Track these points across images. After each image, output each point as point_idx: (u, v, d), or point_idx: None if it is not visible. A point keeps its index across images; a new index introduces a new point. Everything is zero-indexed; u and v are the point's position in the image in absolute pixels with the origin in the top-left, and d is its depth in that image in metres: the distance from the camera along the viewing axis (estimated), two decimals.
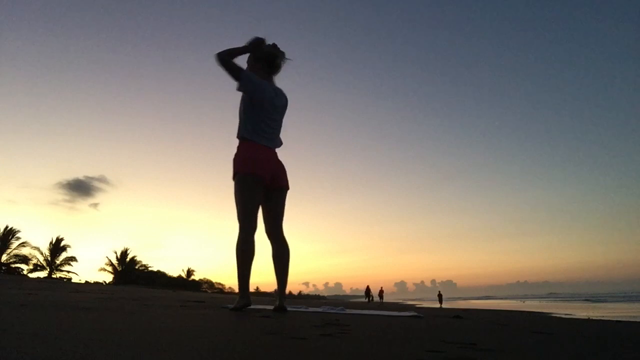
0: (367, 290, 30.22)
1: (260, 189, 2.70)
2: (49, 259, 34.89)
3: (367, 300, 28.56)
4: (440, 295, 27.59)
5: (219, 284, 54.28)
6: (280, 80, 3.04)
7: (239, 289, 2.71)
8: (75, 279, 34.54)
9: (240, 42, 2.90)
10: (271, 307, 4.11)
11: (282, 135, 2.99)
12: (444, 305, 22.49)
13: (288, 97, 2.97)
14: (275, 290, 2.86)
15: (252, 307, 4.43)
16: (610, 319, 5.46)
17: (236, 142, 2.84)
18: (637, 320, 5.22)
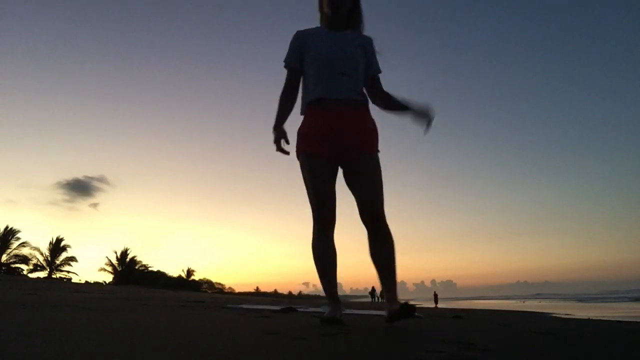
0: (373, 290, 29.98)
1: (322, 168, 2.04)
2: (49, 259, 34.90)
3: (372, 300, 28.40)
4: (435, 295, 27.62)
5: (219, 284, 54.35)
6: None
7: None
8: (75, 279, 34.57)
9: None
10: (272, 308, 4.10)
11: None
12: (440, 305, 22.55)
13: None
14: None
15: (252, 307, 4.42)
16: (610, 319, 5.47)
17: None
18: (638, 320, 5.21)
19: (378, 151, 2.07)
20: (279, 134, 2.09)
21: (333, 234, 2.06)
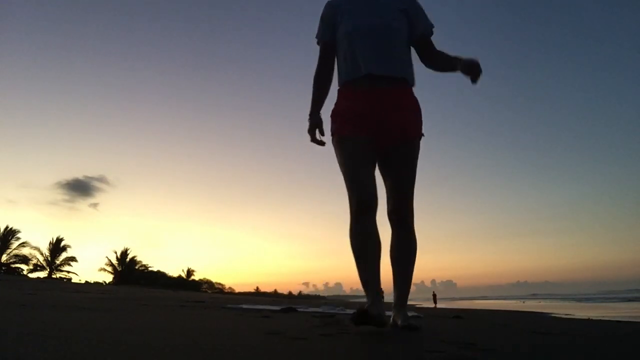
0: None
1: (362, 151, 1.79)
2: (49, 259, 34.91)
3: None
4: (434, 295, 27.73)
5: (219, 284, 54.40)
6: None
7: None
8: (75, 279, 34.59)
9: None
10: (272, 308, 4.10)
11: None
12: (439, 305, 22.60)
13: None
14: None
15: (252, 307, 4.41)
16: (610, 319, 5.47)
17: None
18: (638, 320, 5.22)
19: (420, 136, 1.86)
20: (315, 122, 1.90)
21: (374, 221, 1.72)
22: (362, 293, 1.69)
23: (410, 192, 1.81)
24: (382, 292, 1.68)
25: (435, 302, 26.51)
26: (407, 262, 1.82)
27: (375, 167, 1.83)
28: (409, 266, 1.82)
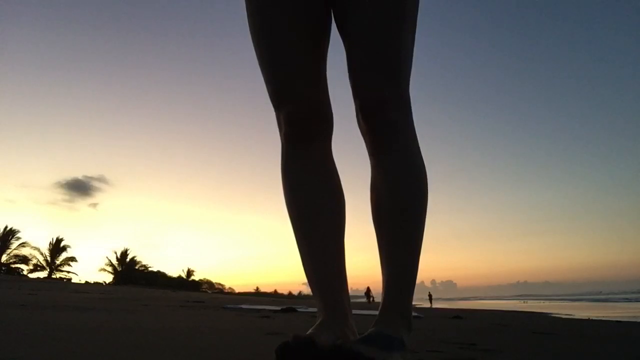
0: (368, 291, 30.65)
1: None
2: (49, 259, 34.99)
3: (367, 300, 28.94)
4: (430, 296, 28.07)
5: (219, 284, 54.55)
6: None
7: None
8: (75, 279, 34.66)
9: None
10: (272, 308, 4.09)
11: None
12: (439, 305, 22.72)
13: None
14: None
15: (252, 307, 4.41)
16: (610, 319, 5.47)
17: None
18: (638, 320, 5.22)
19: None
20: None
21: (328, 152, 0.87)
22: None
23: (400, 59, 0.78)
24: (348, 299, 0.83)
25: (430, 302, 26.77)
26: (408, 213, 0.81)
27: (323, 41, 0.85)
28: (412, 221, 0.82)
